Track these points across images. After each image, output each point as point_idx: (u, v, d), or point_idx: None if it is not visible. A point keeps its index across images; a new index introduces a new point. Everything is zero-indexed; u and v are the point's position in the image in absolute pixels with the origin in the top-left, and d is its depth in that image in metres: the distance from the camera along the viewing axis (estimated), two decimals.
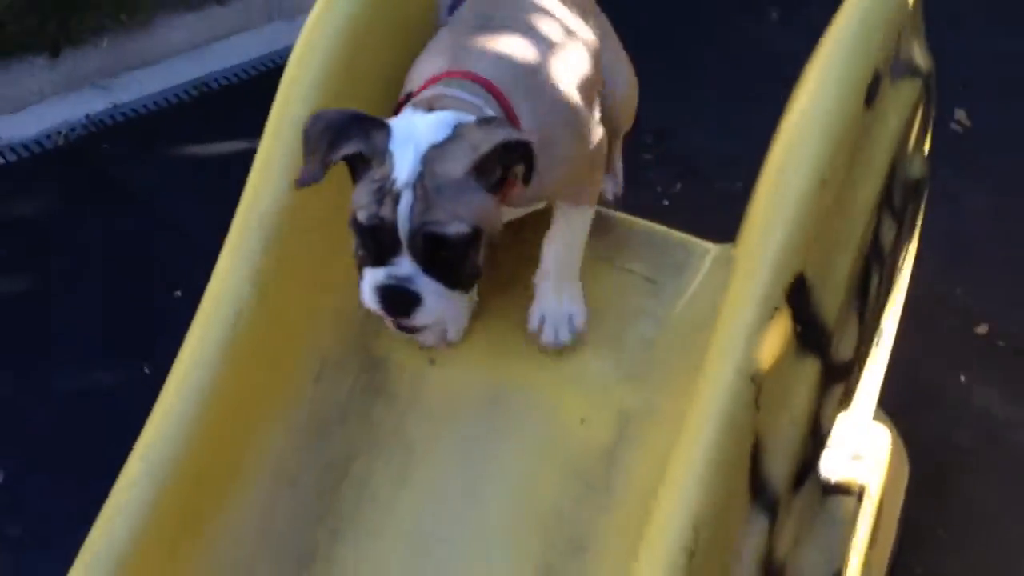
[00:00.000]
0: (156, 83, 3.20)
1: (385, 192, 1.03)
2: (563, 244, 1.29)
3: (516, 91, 1.16)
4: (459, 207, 1.04)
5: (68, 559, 1.11)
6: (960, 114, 3.32)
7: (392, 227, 1.03)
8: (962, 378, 2.42)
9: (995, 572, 2.02)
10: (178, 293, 2.38)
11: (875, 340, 1.46)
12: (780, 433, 1.06)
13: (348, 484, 1.23)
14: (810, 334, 1.07)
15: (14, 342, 2.35)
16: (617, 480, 1.20)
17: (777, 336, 1.01)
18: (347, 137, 1.06)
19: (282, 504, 1.22)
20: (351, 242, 1.10)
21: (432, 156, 1.04)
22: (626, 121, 1.53)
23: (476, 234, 1.06)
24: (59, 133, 3.00)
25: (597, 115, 1.34)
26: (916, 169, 1.32)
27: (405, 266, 1.05)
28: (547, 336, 1.29)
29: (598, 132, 1.27)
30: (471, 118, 1.08)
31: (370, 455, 1.24)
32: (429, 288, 1.06)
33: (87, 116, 3.04)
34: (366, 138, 1.06)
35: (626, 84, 1.49)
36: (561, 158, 1.14)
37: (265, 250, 1.18)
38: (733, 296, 1.02)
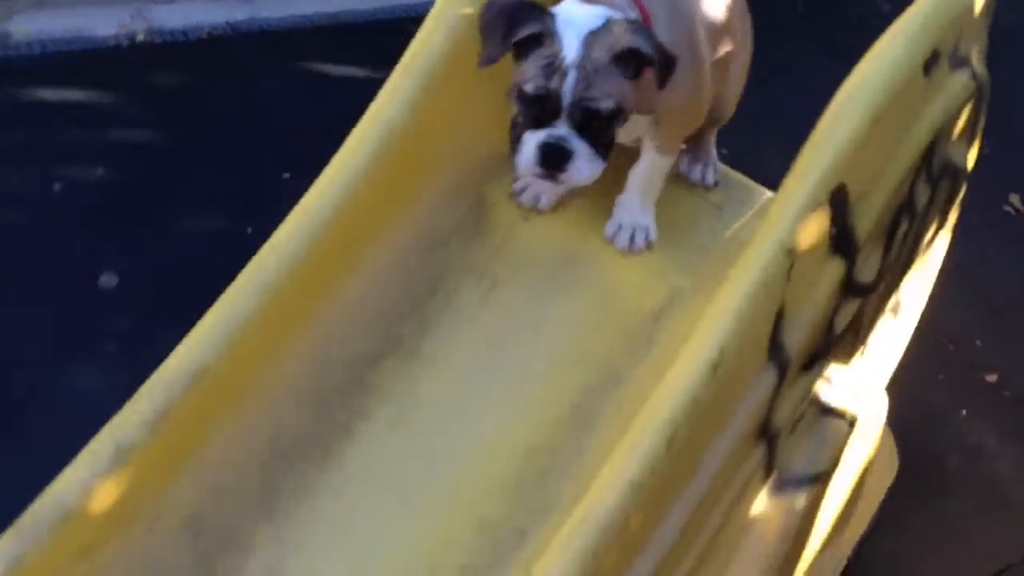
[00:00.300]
0: (295, 8, 3.54)
1: (555, 68, 1.27)
2: (645, 176, 1.54)
3: (659, 9, 1.41)
4: (609, 87, 1.29)
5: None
6: (1015, 199, 3.55)
7: (557, 97, 1.28)
8: (963, 412, 2.64)
9: (952, 558, 2.24)
10: (287, 175, 2.69)
11: (892, 302, 1.70)
12: (801, 310, 1.30)
13: (438, 297, 1.50)
14: (841, 240, 1.32)
15: (142, 189, 2.68)
16: (659, 336, 1.45)
17: (815, 227, 1.26)
18: (523, 21, 1.30)
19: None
20: (510, 110, 1.36)
21: (590, 41, 1.29)
22: (729, 109, 1.70)
23: (619, 111, 1.31)
24: (202, 29, 3.34)
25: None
26: (958, 157, 1.56)
27: (563, 129, 1.30)
28: (621, 241, 1.54)
29: (707, 83, 1.51)
30: (619, 15, 1.33)
31: (459, 276, 1.51)
32: (581, 148, 1.31)
33: (227, 22, 3.38)
34: (540, 21, 1.31)
35: (741, 70, 1.67)
36: (675, 83, 1.36)
37: (425, 89, 1.46)
38: (785, 188, 1.27)
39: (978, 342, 2.89)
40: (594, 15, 1.32)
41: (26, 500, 1.20)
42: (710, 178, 1.69)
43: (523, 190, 1.56)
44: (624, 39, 1.29)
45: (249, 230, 2.49)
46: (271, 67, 3.21)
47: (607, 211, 1.57)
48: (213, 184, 2.69)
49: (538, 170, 1.34)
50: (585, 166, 1.33)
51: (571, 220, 1.57)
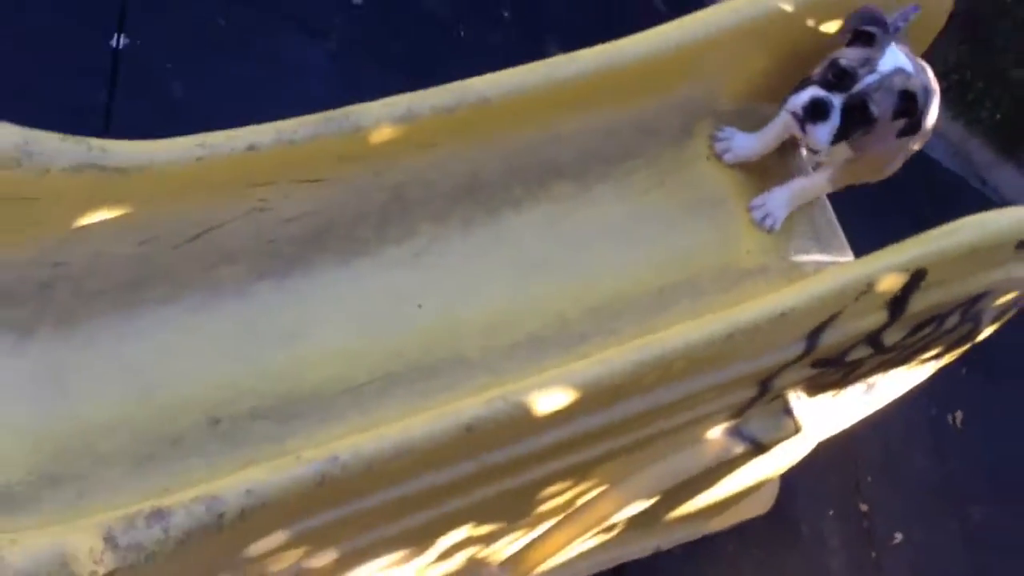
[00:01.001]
0: None
1: (868, 64, 1.78)
2: (804, 187, 2.07)
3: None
4: (885, 105, 1.79)
5: None
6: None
7: (853, 80, 1.77)
8: (831, 512, 3.23)
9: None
10: None
11: (872, 379, 2.23)
12: (844, 325, 1.82)
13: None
14: (897, 304, 1.83)
15: None
16: (743, 283, 1.98)
17: (893, 281, 1.77)
18: (874, 22, 1.82)
19: None
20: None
21: (899, 71, 1.80)
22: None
23: (874, 121, 1.80)
24: None
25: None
26: (987, 319, 2.10)
27: (837, 100, 1.79)
28: (758, 215, 2.06)
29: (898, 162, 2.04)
30: (919, 78, 1.84)
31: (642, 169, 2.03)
32: (834, 118, 1.79)
33: None
34: (884, 31, 1.81)
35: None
36: (892, 145, 1.90)
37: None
38: (898, 247, 1.78)
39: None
40: (913, 64, 1.84)
41: None
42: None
43: (722, 139, 2.06)
44: (915, 84, 1.81)
45: None
46: None
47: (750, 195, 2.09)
48: None
49: (799, 111, 1.83)
50: (824, 132, 1.81)
51: (731, 178, 2.09)
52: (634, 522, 2.29)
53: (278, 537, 1.52)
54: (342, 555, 1.71)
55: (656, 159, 2.05)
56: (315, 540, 1.60)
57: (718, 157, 2.08)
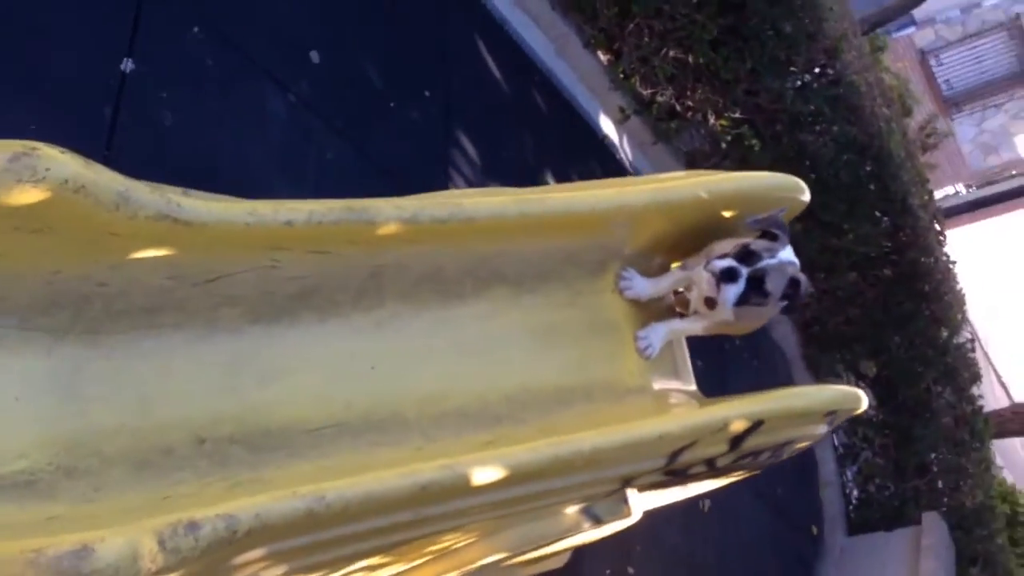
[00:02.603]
0: None
1: (771, 251, 2.27)
2: (682, 326, 2.57)
3: None
4: (775, 284, 2.28)
5: None
6: None
7: (758, 258, 2.26)
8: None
9: None
10: None
11: (687, 484, 2.77)
12: (696, 451, 2.33)
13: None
14: (736, 441, 2.37)
15: None
16: (623, 400, 2.44)
17: (739, 425, 2.30)
18: (779, 227, 2.34)
19: None
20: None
21: (788, 263, 2.31)
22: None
23: (765, 297, 2.30)
24: None
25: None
26: (762, 459, 2.68)
27: (744, 270, 2.27)
28: (640, 344, 2.54)
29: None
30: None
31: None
32: (742, 282, 2.28)
33: None
34: (785, 233, 2.32)
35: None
36: (763, 315, 2.44)
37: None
38: (750, 400, 2.31)
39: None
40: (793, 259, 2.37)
41: None
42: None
43: (626, 279, 2.53)
44: (800, 275, 2.33)
45: None
46: None
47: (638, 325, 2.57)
48: None
49: (718, 272, 2.29)
50: (732, 292, 2.29)
51: (627, 309, 2.56)
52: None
53: (259, 552, 1.80)
54: (288, 571, 1.99)
55: (574, 283, 2.49)
56: (281, 556, 1.88)
57: (620, 292, 2.54)
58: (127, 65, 2.36)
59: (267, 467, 1.97)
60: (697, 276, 2.44)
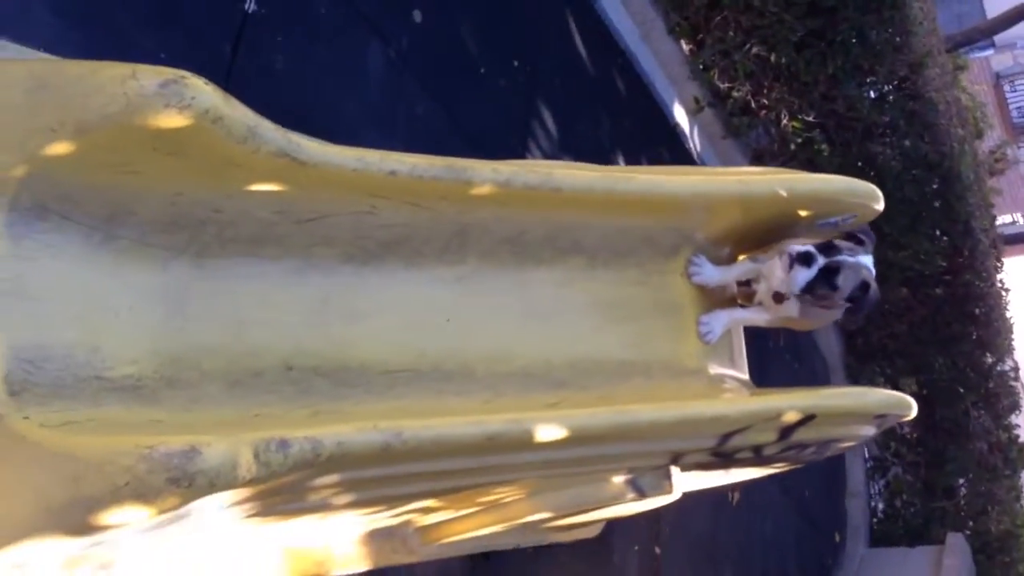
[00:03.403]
0: None
1: (851, 252, 2.36)
2: (746, 315, 2.65)
3: None
4: (846, 281, 2.36)
5: None
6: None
7: (838, 252, 2.35)
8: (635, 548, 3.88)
9: None
10: None
11: (730, 469, 2.86)
12: (747, 435, 2.41)
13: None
14: (785, 431, 2.45)
15: None
16: (682, 380, 2.53)
17: (791, 417, 2.38)
18: (866, 235, 2.44)
19: None
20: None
21: (864, 266, 2.40)
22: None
23: (834, 290, 2.37)
24: None
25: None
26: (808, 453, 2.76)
27: (821, 259, 2.35)
28: (701, 328, 2.63)
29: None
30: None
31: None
32: (815, 268, 2.36)
33: None
34: (871, 242, 2.41)
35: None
36: (830, 316, 2.51)
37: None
38: (804, 393, 2.39)
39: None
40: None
41: None
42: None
43: (695, 264, 2.61)
44: (873, 281, 2.40)
45: None
46: None
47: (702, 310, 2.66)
48: None
49: (795, 254, 2.37)
50: (803, 276, 2.36)
51: (693, 293, 2.65)
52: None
53: (333, 478, 1.92)
54: (352, 500, 2.12)
55: (646, 263, 2.58)
56: (349, 485, 2.01)
57: (688, 276, 2.63)
58: (250, 5, 2.47)
59: (346, 401, 2.09)
60: (767, 269, 2.52)
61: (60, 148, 1.64)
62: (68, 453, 1.55)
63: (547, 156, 3.80)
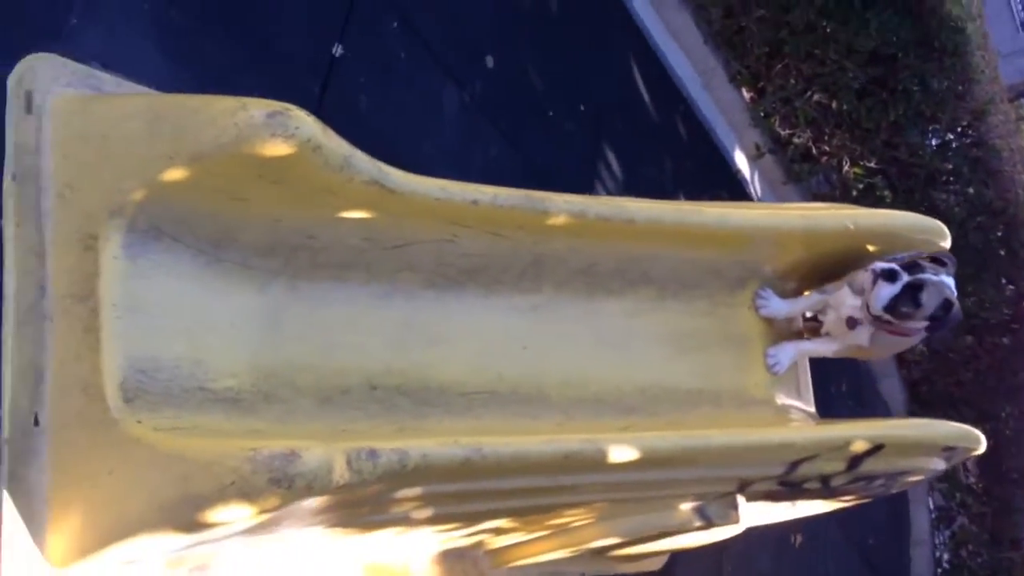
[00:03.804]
0: None
1: (935, 271, 2.38)
2: (812, 347, 2.70)
3: None
4: (930, 300, 2.39)
5: None
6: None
7: (922, 270, 2.38)
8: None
9: None
10: None
11: (796, 500, 2.88)
12: (815, 464, 2.45)
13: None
14: (855, 461, 2.48)
15: None
16: (747, 410, 2.59)
17: (858, 447, 2.42)
18: (949, 260, 2.45)
19: None
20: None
21: (947, 286, 2.42)
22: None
23: (917, 306, 2.40)
24: None
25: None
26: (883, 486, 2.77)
27: (905, 276, 2.37)
28: (769, 360, 2.68)
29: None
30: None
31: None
32: (899, 285, 2.38)
33: None
34: (953, 264, 2.44)
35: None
36: (903, 343, 2.55)
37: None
38: (873, 425, 2.42)
39: None
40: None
41: None
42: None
43: (763, 297, 2.67)
44: (956, 301, 2.42)
45: None
46: None
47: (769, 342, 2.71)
48: None
49: (879, 270, 2.41)
50: (886, 292, 2.38)
51: (760, 326, 2.70)
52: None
53: (415, 490, 2.01)
54: (430, 515, 2.20)
55: (714, 295, 2.64)
56: (429, 499, 2.09)
57: (756, 309, 2.69)
58: (337, 49, 2.63)
59: (428, 420, 2.18)
60: (836, 300, 2.57)
61: (175, 174, 1.78)
62: (179, 454, 1.66)
63: (611, 195, 3.90)
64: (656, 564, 3.55)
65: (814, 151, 5.53)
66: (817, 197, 5.82)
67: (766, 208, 2.66)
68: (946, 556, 6.98)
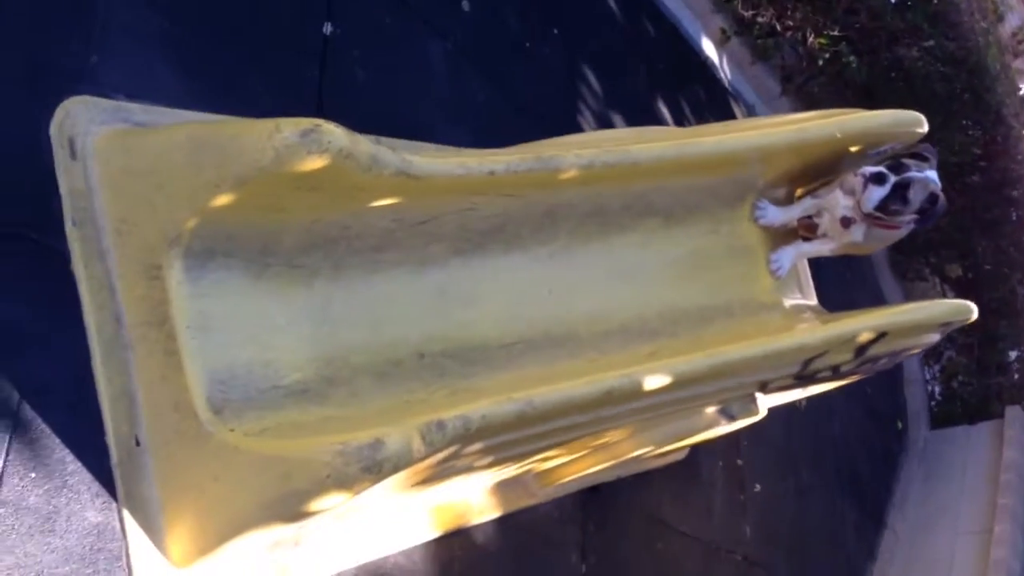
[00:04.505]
0: None
1: (919, 168, 2.54)
2: (812, 248, 2.87)
3: None
4: (916, 195, 2.56)
5: None
6: None
7: (907, 170, 2.54)
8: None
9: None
10: None
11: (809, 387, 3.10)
12: (827, 357, 2.65)
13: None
14: (861, 349, 2.68)
15: None
16: (758, 315, 2.77)
17: (865, 337, 2.61)
18: (931, 152, 2.60)
19: None
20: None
21: (931, 180, 2.58)
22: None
23: (905, 204, 2.56)
24: None
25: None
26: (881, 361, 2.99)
27: (892, 177, 2.52)
28: (772, 265, 2.85)
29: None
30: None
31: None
32: (888, 186, 2.54)
33: None
34: (935, 158, 2.58)
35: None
36: (894, 236, 2.72)
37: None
38: (874, 313, 2.62)
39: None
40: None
41: None
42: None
43: (760, 208, 2.82)
44: (940, 192, 2.59)
45: None
46: None
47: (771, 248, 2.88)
48: None
49: (868, 175, 2.56)
50: (877, 194, 2.54)
51: (761, 235, 2.86)
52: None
53: (480, 444, 2.19)
54: (489, 461, 2.40)
55: (715, 214, 2.79)
56: (488, 449, 2.28)
57: (755, 220, 2.84)
58: (327, 28, 2.68)
59: (476, 377, 2.35)
60: (829, 201, 2.72)
61: (223, 200, 1.89)
62: (277, 455, 1.83)
63: (595, 113, 3.99)
64: (681, 455, 3.81)
65: (778, 27, 5.58)
66: (785, 71, 5.90)
67: (757, 125, 2.78)
68: (938, 389, 7.35)
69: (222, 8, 2.42)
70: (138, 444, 1.94)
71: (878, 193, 2.55)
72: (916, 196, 2.56)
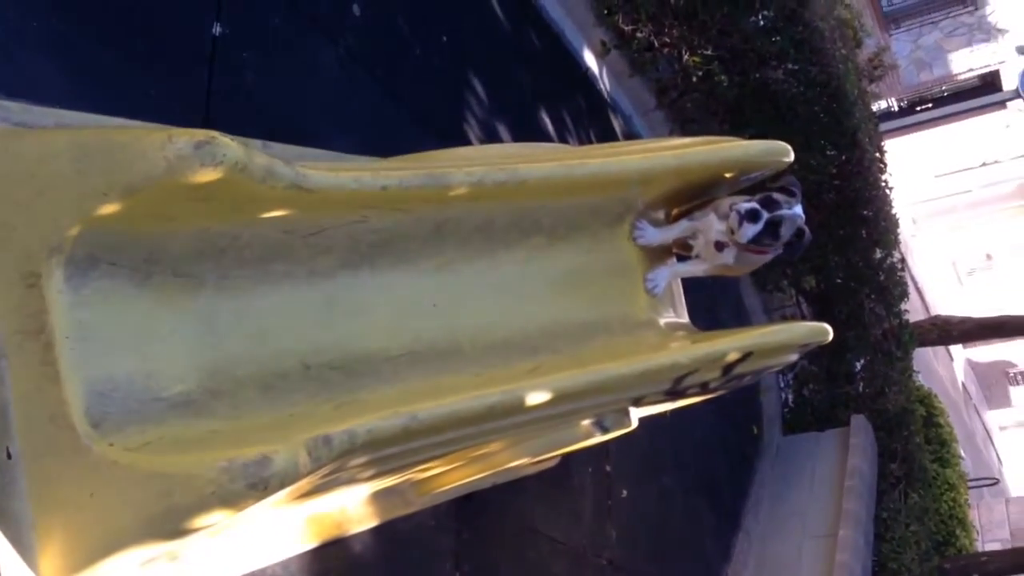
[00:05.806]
0: None
1: (788, 205, 2.71)
2: (686, 268, 3.01)
3: None
4: (786, 231, 2.72)
5: None
6: None
7: (778, 207, 2.70)
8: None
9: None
10: None
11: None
12: (697, 374, 2.78)
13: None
14: (728, 368, 2.83)
15: None
16: (636, 333, 2.88)
17: (733, 357, 2.76)
18: (796, 187, 2.77)
19: None
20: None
21: (798, 216, 2.74)
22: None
23: (776, 239, 2.73)
24: None
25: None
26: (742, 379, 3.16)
27: (765, 214, 2.68)
28: (648, 284, 2.97)
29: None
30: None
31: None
32: (761, 223, 2.69)
33: None
34: (800, 192, 2.74)
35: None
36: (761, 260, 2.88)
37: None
38: (741, 335, 2.77)
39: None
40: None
41: None
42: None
43: (639, 228, 2.93)
44: (805, 227, 2.74)
45: None
46: None
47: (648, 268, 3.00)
48: None
49: (743, 211, 2.70)
50: (750, 231, 2.70)
51: (639, 254, 2.98)
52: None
53: (364, 458, 2.21)
54: (371, 473, 2.42)
55: (597, 233, 2.89)
56: (371, 462, 2.30)
57: (634, 240, 2.95)
58: (216, 28, 2.64)
59: (361, 390, 2.37)
60: (704, 225, 2.86)
61: (110, 208, 1.85)
62: (158, 472, 1.80)
63: (482, 122, 4.05)
64: (553, 462, 3.90)
65: (656, 43, 5.77)
66: (660, 85, 6.11)
67: (641, 149, 2.89)
68: (791, 397, 7.75)
69: (108, 5, 2.35)
70: (10, 457, 1.87)
71: (752, 230, 2.71)
72: (786, 231, 2.74)
